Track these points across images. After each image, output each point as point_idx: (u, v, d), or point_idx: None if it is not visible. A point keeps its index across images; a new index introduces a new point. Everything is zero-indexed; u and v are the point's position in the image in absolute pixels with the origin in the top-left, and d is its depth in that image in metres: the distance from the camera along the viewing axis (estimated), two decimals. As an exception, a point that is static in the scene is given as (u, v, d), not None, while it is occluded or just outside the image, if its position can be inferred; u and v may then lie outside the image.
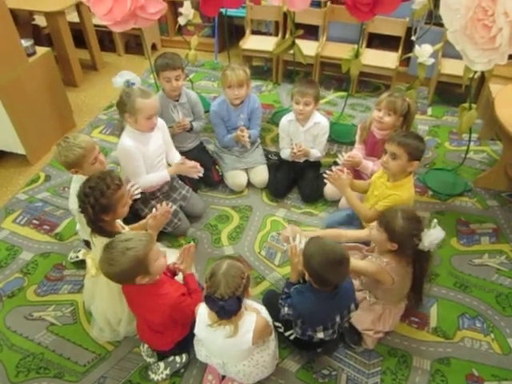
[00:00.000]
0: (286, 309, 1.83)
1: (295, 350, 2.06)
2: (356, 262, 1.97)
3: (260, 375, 1.87)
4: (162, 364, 1.97)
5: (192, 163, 2.52)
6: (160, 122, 2.50)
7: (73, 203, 2.18)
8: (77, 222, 2.45)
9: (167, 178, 2.53)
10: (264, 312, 1.94)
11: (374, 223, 1.97)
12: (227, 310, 1.58)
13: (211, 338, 1.72)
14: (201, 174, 2.55)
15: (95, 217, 1.81)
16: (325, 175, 2.37)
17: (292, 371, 2.00)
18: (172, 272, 2.00)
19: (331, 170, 2.34)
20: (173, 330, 1.91)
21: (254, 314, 1.76)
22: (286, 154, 2.87)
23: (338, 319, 1.80)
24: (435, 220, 1.83)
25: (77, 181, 2.07)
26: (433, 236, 1.80)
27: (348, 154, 2.53)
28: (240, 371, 1.83)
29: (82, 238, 2.44)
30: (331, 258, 1.65)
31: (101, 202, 1.78)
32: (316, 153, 2.82)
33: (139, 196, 2.21)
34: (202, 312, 1.73)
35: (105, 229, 1.86)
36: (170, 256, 2.04)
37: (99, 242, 1.87)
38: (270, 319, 1.91)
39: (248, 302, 1.86)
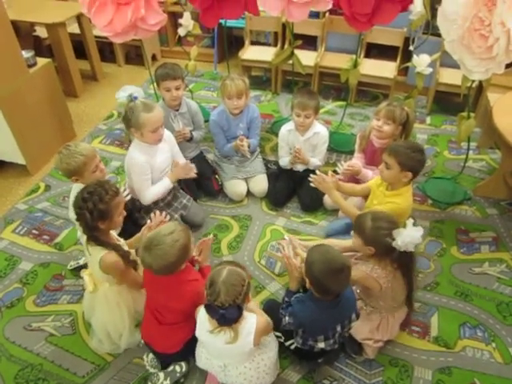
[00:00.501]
0: (286, 318, 1.82)
1: (296, 361, 2.04)
2: None
3: (261, 381, 1.85)
4: (161, 374, 1.96)
5: (182, 163, 2.52)
6: (167, 133, 2.52)
7: (72, 210, 2.20)
8: (78, 230, 2.44)
9: (170, 185, 2.54)
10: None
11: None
12: (228, 318, 1.59)
13: (212, 341, 1.72)
14: (195, 171, 2.55)
15: (92, 223, 1.81)
16: (309, 179, 2.39)
17: (293, 381, 1.99)
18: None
19: (315, 174, 2.37)
20: (186, 323, 1.89)
21: (255, 315, 1.76)
22: (285, 162, 2.88)
23: (338, 329, 1.79)
24: (411, 219, 1.82)
25: (77, 189, 2.07)
26: (405, 234, 1.77)
27: (348, 164, 2.54)
28: (241, 374, 1.81)
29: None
30: (332, 266, 1.65)
31: (99, 207, 1.79)
32: (315, 161, 2.82)
33: (129, 197, 2.21)
34: (203, 316, 1.72)
35: (100, 238, 1.86)
36: None
37: (95, 251, 1.87)
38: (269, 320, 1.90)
39: (249, 304, 1.85)
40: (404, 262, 1.89)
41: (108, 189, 1.83)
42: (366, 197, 2.42)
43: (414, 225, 1.79)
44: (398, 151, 2.10)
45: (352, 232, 2.01)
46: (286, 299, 1.89)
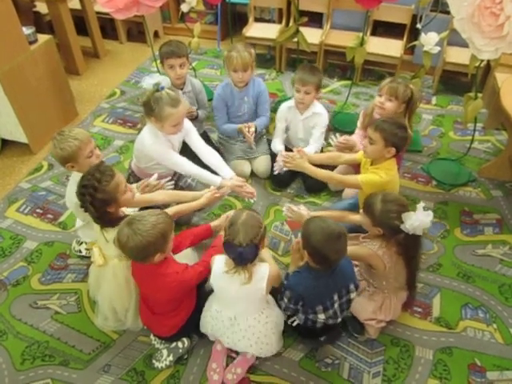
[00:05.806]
0: (285, 299, 1.85)
1: (298, 339, 2.07)
2: (349, 247, 1.99)
3: (267, 342, 1.90)
4: (165, 351, 1.99)
5: (245, 188, 2.42)
6: (188, 124, 2.48)
7: (68, 201, 2.21)
8: (77, 218, 2.38)
9: (216, 184, 2.37)
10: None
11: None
12: (244, 256, 1.67)
13: (226, 285, 1.79)
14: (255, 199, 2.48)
15: (99, 212, 1.81)
16: (280, 163, 2.42)
17: (295, 360, 2.02)
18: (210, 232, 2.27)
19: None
20: (176, 311, 1.92)
21: (267, 264, 1.85)
22: (276, 148, 2.80)
23: (335, 298, 1.82)
24: (422, 203, 1.80)
25: (75, 178, 2.05)
26: (414, 218, 1.76)
27: (343, 137, 2.52)
28: (250, 327, 1.86)
29: (82, 239, 2.41)
30: (330, 234, 1.68)
31: (97, 197, 1.77)
32: (310, 150, 2.68)
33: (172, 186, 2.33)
34: (219, 262, 1.81)
35: (113, 220, 1.86)
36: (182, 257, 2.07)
37: (112, 235, 1.85)
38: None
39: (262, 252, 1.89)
40: (409, 245, 1.89)
41: (100, 178, 1.79)
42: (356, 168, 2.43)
43: (424, 209, 1.78)
44: (383, 127, 2.08)
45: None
46: (285, 282, 1.91)
